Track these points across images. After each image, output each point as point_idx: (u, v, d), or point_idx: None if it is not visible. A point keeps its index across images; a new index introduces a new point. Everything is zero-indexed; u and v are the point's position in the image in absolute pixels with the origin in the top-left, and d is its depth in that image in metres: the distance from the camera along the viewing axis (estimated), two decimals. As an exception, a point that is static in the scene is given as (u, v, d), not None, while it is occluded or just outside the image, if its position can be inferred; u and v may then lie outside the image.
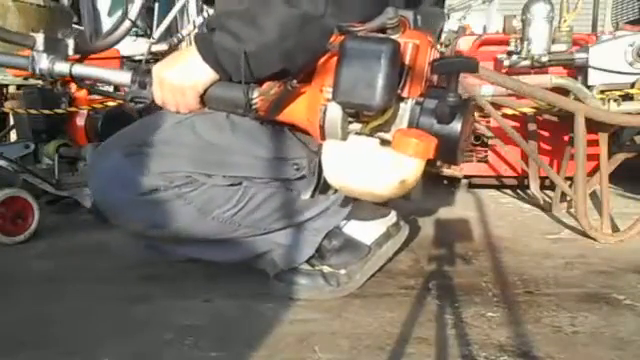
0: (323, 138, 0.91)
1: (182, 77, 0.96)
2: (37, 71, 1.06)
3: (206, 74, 0.96)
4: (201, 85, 0.96)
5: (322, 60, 0.87)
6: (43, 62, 1.05)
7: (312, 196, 1.13)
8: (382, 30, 0.85)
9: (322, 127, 0.89)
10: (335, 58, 0.84)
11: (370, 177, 0.91)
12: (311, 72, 0.92)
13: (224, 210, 1.07)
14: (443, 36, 2.45)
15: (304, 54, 0.92)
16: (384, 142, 0.90)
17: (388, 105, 0.84)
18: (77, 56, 1.14)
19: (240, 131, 1.05)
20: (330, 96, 0.85)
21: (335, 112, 0.87)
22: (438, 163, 0.90)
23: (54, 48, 1.07)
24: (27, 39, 1.06)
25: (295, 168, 1.10)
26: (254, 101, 0.93)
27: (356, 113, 0.88)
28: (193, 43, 0.97)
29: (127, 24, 1.26)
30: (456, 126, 0.85)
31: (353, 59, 0.81)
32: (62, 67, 1.06)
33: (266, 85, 0.93)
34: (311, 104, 0.91)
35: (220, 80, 0.97)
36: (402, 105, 0.88)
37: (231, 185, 1.07)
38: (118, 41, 1.28)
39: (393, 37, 0.85)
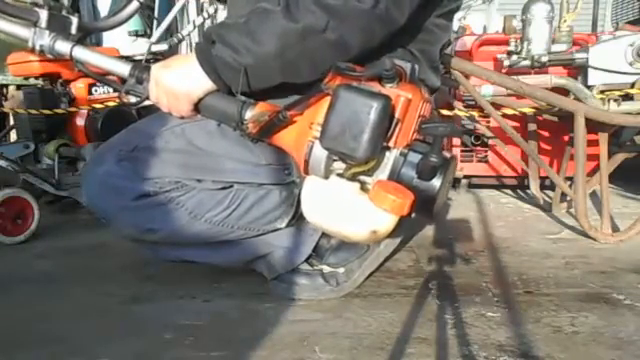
0: (306, 172, 0.92)
1: (178, 83, 0.96)
2: (37, 47, 1.04)
3: (202, 84, 0.96)
4: (196, 94, 0.97)
5: (317, 97, 0.87)
6: (44, 38, 1.04)
7: (288, 225, 1.14)
8: (378, 79, 0.85)
9: (307, 162, 0.89)
10: (328, 98, 0.84)
11: (343, 221, 0.92)
12: (305, 104, 0.91)
13: (216, 213, 1.08)
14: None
15: (306, 67, 0.92)
16: (364, 187, 0.90)
17: (372, 157, 0.85)
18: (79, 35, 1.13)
19: (230, 138, 1.05)
20: (318, 135, 0.85)
21: (321, 151, 0.87)
22: (413, 215, 0.91)
23: (57, 26, 1.06)
24: (31, 13, 1.05)
25: (286, 173, 1.11)
26: (245, 122, 0.93)
27: (340, 157, 0.88)
28: (193, 52, 0.97)
29: (134, 5, 1.24)
30: (435, 184, 0.86)
31: (344, 109, 0.82)
32: (63, 46, 1.05)
33: (259, 109, 0.94)
34: (299, 136, 0.91)
35: (218, 91, 0.97)
36: (387, 154, 0.89)
37: (222, 188, 1.08)
38: (124, 21, 1.26)
39: (388, 86, 0.85)
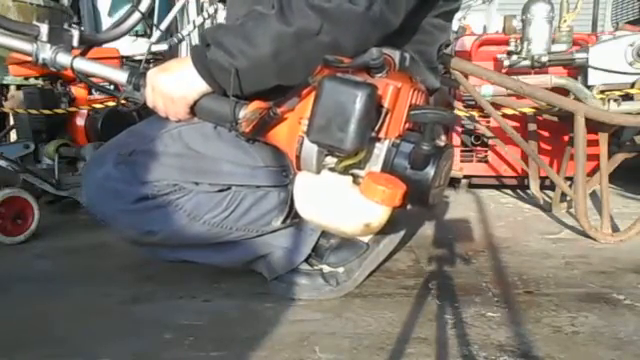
0: (299, 168, 0.92)
1: (174, 86, 0.97)
2: (40, 60, 1.08)
3: (198, 87, 0.97)
4: (191, 97, 0.98)
5: (305, 91, 0.86)
6: (46, 52, 1.07)
7: (283, 223, 1.14)
8: (367, 69, 0.85)
9: (298, 157, 0.89)
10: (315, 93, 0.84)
11: (336, 215, 0.91)
12: (294, 99, 0.90)
13: (214, 215, 1.08)
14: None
15: (301, 70, 0.91)
16: (356, 180, 0.90)
17: (360, 148, 0.84)
18: (81, 48, 1.15)
19: (227, 140, 1.05)
20: (306, 129, 0.85)
21: (311, 145, 0.87)
22: (409, 206, 0.90)
23: (58, 39, 1.09)
24: (32, 28, 1.07)
25: (284, 175, 1.11)
26: (239, 121, 0.94)
27: (329, 150, 0.88)
28: (189, 55, 0.98)
29: (136, 16, 1.25)
30: (429, 173, 0.85)
31: (329, 100, 0.81)
32: (64, 59, 1.08)
33: (251, 107, 0.94)
34: (290, 132, 0.91)
35: (213, 93, 0.97)
36: (378, 145, 0.88)
37: (220, 191, 1.08)
38: (126, 33, 1.27)
39: (377, 76, 0.84)
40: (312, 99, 0.84)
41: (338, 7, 0.86)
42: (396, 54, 0.89)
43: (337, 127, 0.80)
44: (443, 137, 0.92)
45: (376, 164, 0.89)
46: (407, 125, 0.89)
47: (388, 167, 0.88)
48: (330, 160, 0.90)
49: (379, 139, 0.87)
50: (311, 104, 0.84)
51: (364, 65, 0.83)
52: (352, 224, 0.90)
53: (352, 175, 0.90)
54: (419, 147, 0.83)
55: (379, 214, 0.87)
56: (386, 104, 0.85)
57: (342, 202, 0.89)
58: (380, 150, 0.88)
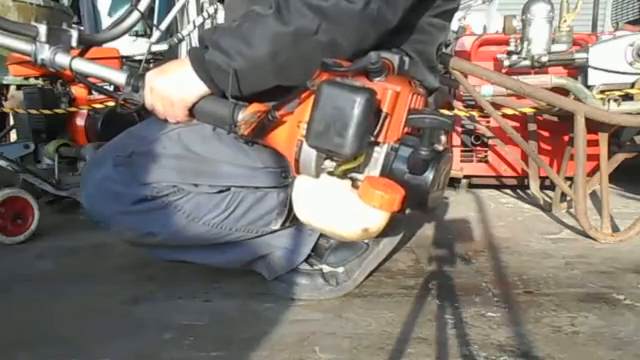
0: (297, 172, 0.91)
1: (173, 89, 0.97)
2: (39, 60, 1.07)
3: (196, 89, 0.96)
4: (190, 99, 0.97)
5: (304, 95, 0.86)
6: (45, 52, 1.07)
7: (282, 225, 1.14)
8: (366, 73, 0.84)
9: (297, 161, 0.89)
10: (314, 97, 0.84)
11: (334, 220, 0.91)
12: (294, 102, 0.90)
13: (214, 215, 1.08)
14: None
15: (299, 69, 0.91)
16: (355, 184, 0.90)
17: (359, 152, 0.84)
18: (80, 48, 1.16)
19: (226, 142, 1.05)
20: (305, 134, 0.85)
21: (310, 150, 0.86)
22: (407, 210, 0.90)
23: (57, 39, 1.09)
24: (30, 29, 1.07)
25: (283, 176, 1.10)
26: (238, 123, 0.94)
27: (328, 154, 0.88)
28: (187, 57, 0.97)
29: (135, 16, 1.25)
30: (427, 178, 0.85)
31: (327, 105, 0.80)
32: (62, 59, 1.07)
33: (250, 110, 0.94)
34: (289, 136, 0.91)
35: (212, 94, 0.97)
36: (377, 149, 0.88)
37: (219, 192, 1.08)
38: (124, 33, 1.27)
39: (376, 80, 0.84)
40: (311, 103, 0.83)
41: (335, 6, 0.86)
42: (395, 58, 0.88)
43: (335, 132, 0.80)
44: (443, 139, 0.91)
45: (375, 168, 0.89)
46: (406, 129, 0.89)
47: (387, 171, 0.87)
48: (329, 164, 0.89)
49: (378, 143, 0.87)
50: (310, 108, 0.83)
51: (363, 69, 0.83)
52: (350, 228, 0.90)
53: (351, 179, 0.90)
54: (418, 152, 0.83)
55: (377, 219, 0.87)
56: (385, 108, 0.85)
57: (341, 206, 0.89)
58: (379, 154, 0.88)
